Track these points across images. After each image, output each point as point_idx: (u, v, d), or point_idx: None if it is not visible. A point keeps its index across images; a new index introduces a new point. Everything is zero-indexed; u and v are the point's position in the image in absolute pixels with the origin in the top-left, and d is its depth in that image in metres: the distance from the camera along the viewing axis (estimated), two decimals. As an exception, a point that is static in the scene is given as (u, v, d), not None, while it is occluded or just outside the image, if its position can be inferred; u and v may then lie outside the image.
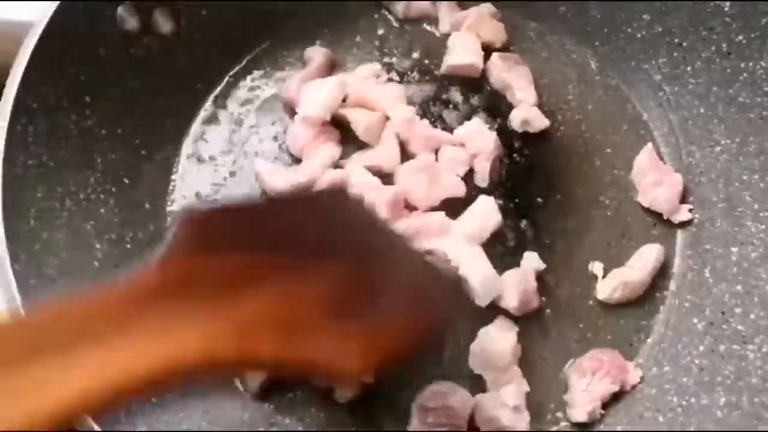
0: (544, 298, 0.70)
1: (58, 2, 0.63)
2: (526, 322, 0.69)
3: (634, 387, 0.67)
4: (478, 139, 0.74)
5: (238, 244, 0.44)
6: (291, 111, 0.78)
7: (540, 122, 0.77)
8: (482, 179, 0.74)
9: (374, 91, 0.77)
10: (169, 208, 0.75)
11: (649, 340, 0.69)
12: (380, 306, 0.47)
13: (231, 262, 0.43)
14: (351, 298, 0.46)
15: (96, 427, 0.51)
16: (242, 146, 0.78)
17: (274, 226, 0.48)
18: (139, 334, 0.38)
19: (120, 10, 0.69)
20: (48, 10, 0.63)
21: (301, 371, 0.45)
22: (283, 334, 0.42)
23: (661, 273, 0.72)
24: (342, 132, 0.76)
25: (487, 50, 0.81)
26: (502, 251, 0.72)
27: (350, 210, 0.55)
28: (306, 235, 0.48)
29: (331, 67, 0.81)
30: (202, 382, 0.52)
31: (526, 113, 0.76)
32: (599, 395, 0.65)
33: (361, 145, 0.76)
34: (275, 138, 0.78)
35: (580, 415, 0.65)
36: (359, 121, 0.75)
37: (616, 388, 0.65)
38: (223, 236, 0.45)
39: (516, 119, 0.77)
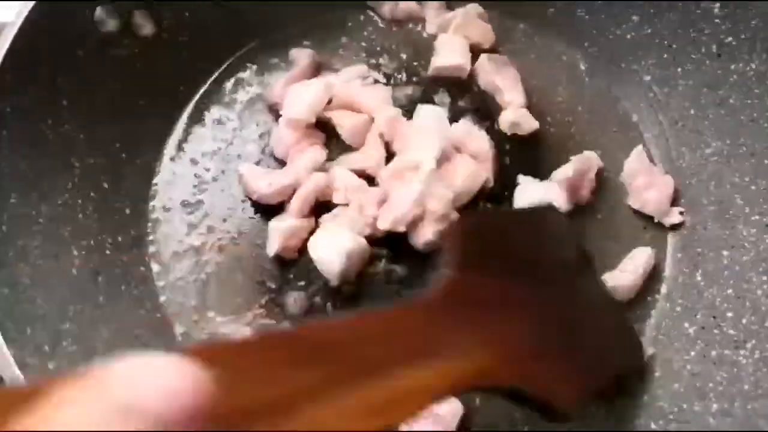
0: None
1: (33, 2, 0.61)
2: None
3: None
4: (471, 141, 0.73)
5: (501, 258, 0.47)
6: (275, 113, 0.76)
7: (529, 124, 0.75)
8: (489, 181, 0.73)
9: (359, 94, 0.76)
10: (151, 215, 0.73)
11: (640, 345, 0.68)
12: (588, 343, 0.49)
13: (496, 281, 0.44)
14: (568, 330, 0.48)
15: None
16: (226, 149, 0.76)
17: (527, 242, 0.50)
18: (442, 354, 0.37)
19: (98, 11, 0.67)
20: (23, 10, 0.61)
21: (527, 395, 0.44)
22: (532, 359, 0.43)
23: (652, 276, 0.71)
24: (327, 134, 0.75)
25: (475, 51, 0.79)
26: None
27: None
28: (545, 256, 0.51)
29: (317, 69, 0.80)
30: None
31: (515, 115, 0.75)
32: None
33: (347, 148, 0.75)
34: (259, 140, 0.77)
35: None
36: (344, 125, 0.74)
37: None
38: (491, 250, 0.47)
39: (505, 121, 0.75)
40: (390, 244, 0.70)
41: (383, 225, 0.67)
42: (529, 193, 0.72)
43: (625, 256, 0.71)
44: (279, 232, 0.69)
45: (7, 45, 0.60)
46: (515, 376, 0.42)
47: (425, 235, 0.68)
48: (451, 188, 0.68)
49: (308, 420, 0.29)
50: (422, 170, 0.68)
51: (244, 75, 0.80)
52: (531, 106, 0.77)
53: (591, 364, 0.48)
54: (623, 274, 0.70)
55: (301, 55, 0.79)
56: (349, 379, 0.32)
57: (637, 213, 0.73)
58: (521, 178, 0.73)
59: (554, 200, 0.69)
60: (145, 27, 0.73)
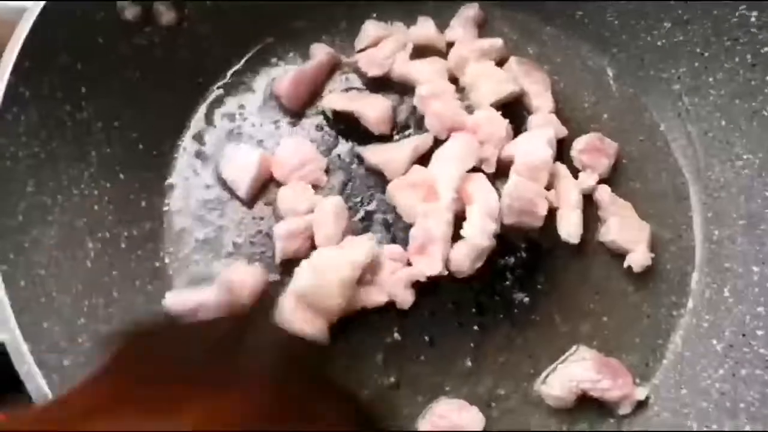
0: (566, 310, 0.68)
1: (55, -13, 0.59)
2: (538, 338, 0.67)
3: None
4: (489, 124, 0.71)
5: (164, 369, 0.45)
6: (283, 107, 0.76)
7: (558, 131, 0.73)
8: (490, 165, 0.71)
9: (416, 64, 0.76)
10: (166, 208, 0.71)
11: (665, 361, 0.67)
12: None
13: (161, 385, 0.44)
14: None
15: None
16: (244, 142, 0.74)
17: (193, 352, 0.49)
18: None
19: (121, -3, 0.66)
20: (45, -6, 0.59)
21: None
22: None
23: (679, 289, 0.69)
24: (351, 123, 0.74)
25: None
26: (509, 264, 0.69)
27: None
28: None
29: (334, 67, 0.78)
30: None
31: (544, 121, 0.73)
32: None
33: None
34: (276, 134, 0.75)
35: None
36: (368, 115, 0.73)
37: None
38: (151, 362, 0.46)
39: (532, 125, 0.73)
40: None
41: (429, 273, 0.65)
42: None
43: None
44: (279, 237, 0.67)
45: (27, 30, 0.58)
46: None
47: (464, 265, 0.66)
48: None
49: None
50: (441, 205, 0.66)
51: (265, 67, 0.78)
52: (556, 111, 0.75)
53: None
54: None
55: (318, 51, 0.77)
56: None
57: (664, 225, 0.72)
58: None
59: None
60: (167, 15, 0.71)
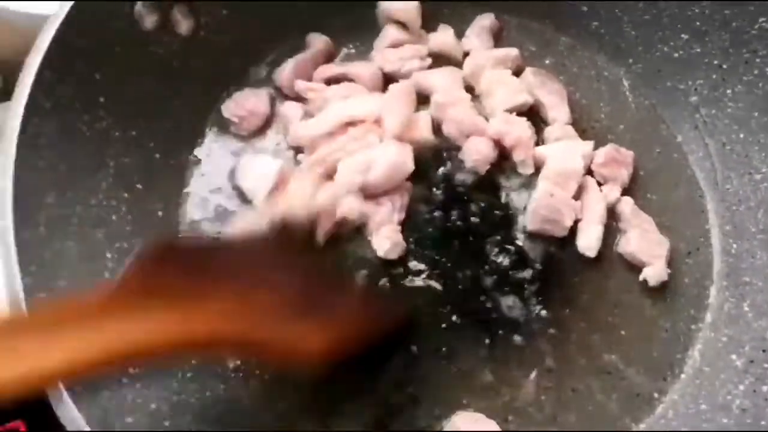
0: (583, 324, 0.68)
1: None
2: (555, 352, 0.66)
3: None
4: (511, 128, 0.71)
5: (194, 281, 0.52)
6: (284, 96, 0.76)
7: (586, 153, 0.72)
8: (527, 167, 0.71)
9: (432, 73, 0.76)
10: (183, 218, 0.71)
11: (683, 375, 0.66)
12: (329, 308, 0.57)
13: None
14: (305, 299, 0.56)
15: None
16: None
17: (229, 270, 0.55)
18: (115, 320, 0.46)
19: (138, 6, 0.66)
20: (64, 5, 0.59)
21: (264, 353, 0.54)
22: (247, 320, 0.51)
23: (697, 303, 0.69)
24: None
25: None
26: (526, 278, 0.69)
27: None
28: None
29: (330, 56, 0.79)
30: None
31: (561, 133, 0.73)
32: None
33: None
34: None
35: None
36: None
37: None
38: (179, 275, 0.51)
39: (550, 138, 0.73)
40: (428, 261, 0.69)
41: None
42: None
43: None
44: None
45: (48, 40, 0.58)
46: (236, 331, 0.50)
47: None
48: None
49: None
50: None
51: (279, 76, 0.78)
52: (573, 122, 0.75)
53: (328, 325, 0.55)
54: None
55: (315, 41, 0.78)
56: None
57: (681, 237, 0.72)
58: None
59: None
60: (184, 24, 0.71)
